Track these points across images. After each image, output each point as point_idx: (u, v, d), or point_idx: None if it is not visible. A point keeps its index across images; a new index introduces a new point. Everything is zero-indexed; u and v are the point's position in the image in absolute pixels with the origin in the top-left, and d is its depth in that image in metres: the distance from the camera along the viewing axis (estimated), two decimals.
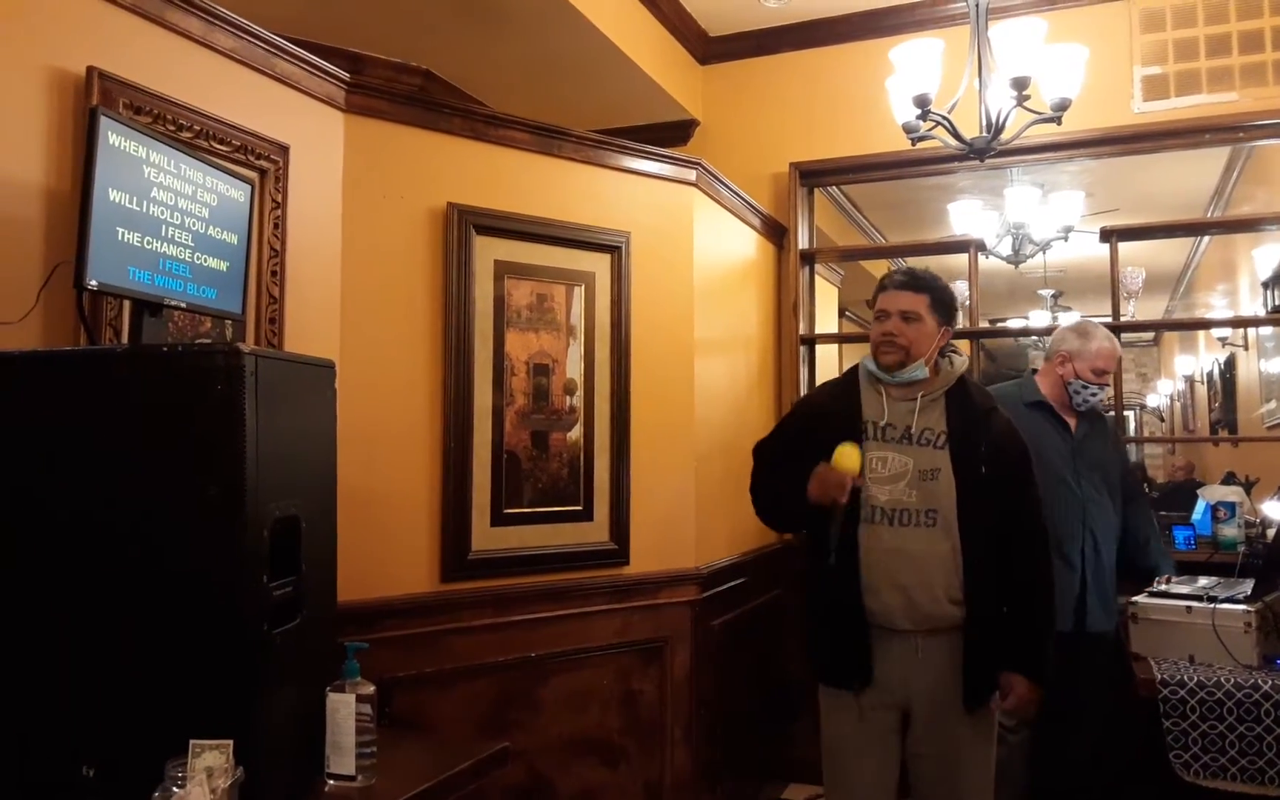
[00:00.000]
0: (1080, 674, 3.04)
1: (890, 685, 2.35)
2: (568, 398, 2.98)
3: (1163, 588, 2.99)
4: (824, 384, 2.81)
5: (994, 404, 2.51)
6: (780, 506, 2.59)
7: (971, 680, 2.33)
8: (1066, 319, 6.37)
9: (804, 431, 2.52)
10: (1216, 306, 7.47)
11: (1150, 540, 3.22)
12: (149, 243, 1.79)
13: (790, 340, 4.23)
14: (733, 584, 3.54)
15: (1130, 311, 4.30)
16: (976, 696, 2.34)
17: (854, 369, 2.57)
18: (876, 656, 2.34)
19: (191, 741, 1.42)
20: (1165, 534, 3.63)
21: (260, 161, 2.26)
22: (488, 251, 2.81)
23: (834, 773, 2.46)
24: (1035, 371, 3.25)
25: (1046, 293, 7.87)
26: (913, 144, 3.03)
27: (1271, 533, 3.37)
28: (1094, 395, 3.09)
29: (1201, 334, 8.25)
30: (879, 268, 6.15)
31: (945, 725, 2.34)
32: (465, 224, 2.74)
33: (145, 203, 1.78)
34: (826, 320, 4.81)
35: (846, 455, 2.29)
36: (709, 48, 4.50)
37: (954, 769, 2.36)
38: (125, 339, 1.91)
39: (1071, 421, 3.12)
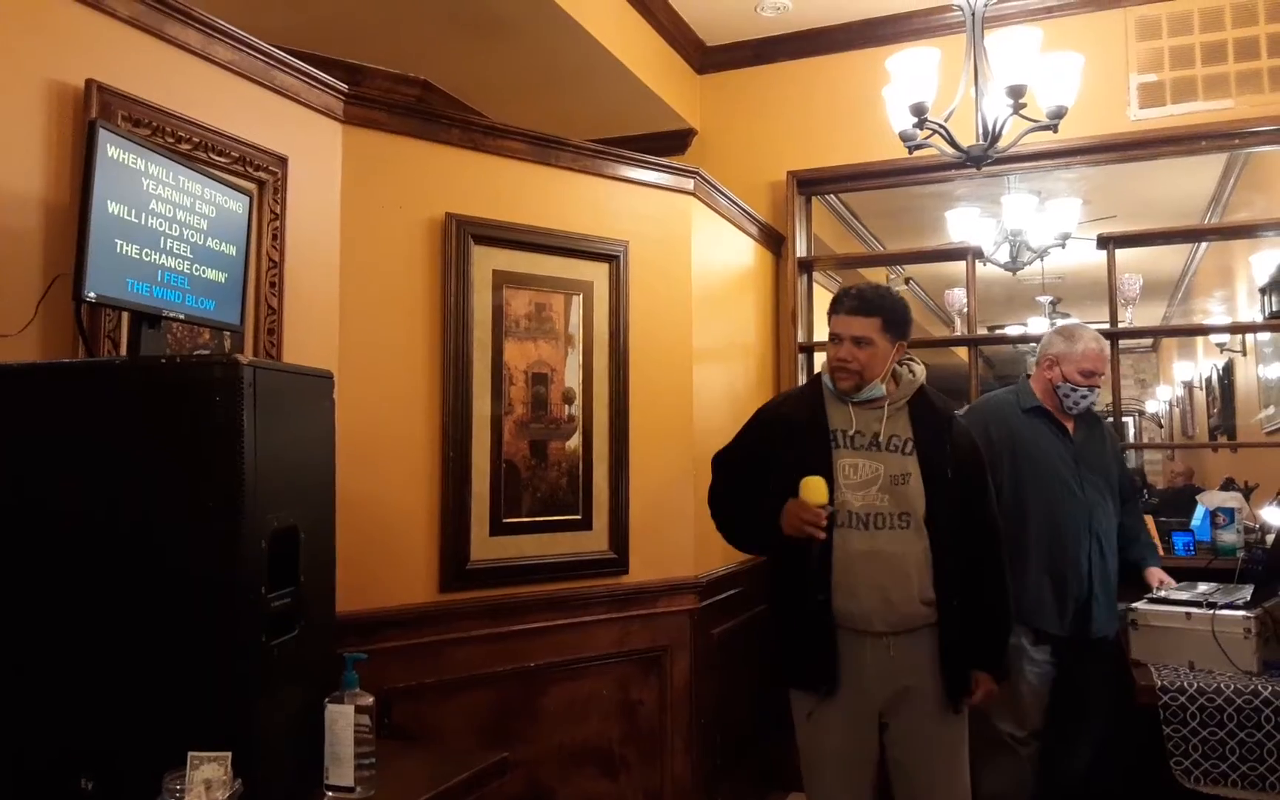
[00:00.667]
0: (1086, 679, 3.03)
1: (867, 691, 2.36)
2: (566, 407, 2.98)
3: (1162, 594, 2.99)
4: (785, 393, 2.79)
5: (953, 412, 2.56)
6: (747, 533, 2.60)
7: (950, 676, 2.37)
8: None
9: (768, 441, 2.52)
10: (1214, 312, 7.47)
11: (1140, 535, 3.25)
12: (148, 255, 1.79)
13: (789, 348, 4.24)
14: (731, 593, 3.54)
15: (1128, 318, 4.30)
16: (955, 691, 2.38)
17: (816, 379, 2.59)
18: (852, 663, 2.36)
19: (190, 753, 1.42)
20: (1165, 540, 3.63)
21: (259, 173, 2.27)
22: (486, 261, 2.81)
23: (813, 782, 2.48)
24: (1029, 376, 3.24)
25: (1044, 299, 7.88)
26: (910, 152, 3.04)
27: (1271, 538, 3.37)
28: (1084, 398, 3.07)
29: (1200, 340, 8.24)
30: (877, 276, 6.16)
31: (921, 728, 2.37)
32: (464, 234, 2.75)
33: (144, 215, 1.78)
34: (825, 328, 4.80)
35: (814, 488, 2.29)
36: (706, 57, 4.51)
37: (931, 772, 2.39)
38: (124, 351, 1.91)
39: (1069, 425, 3.12)
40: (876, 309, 2.44)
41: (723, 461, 2.65)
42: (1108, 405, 3.91)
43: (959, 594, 2.37)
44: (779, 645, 2.49)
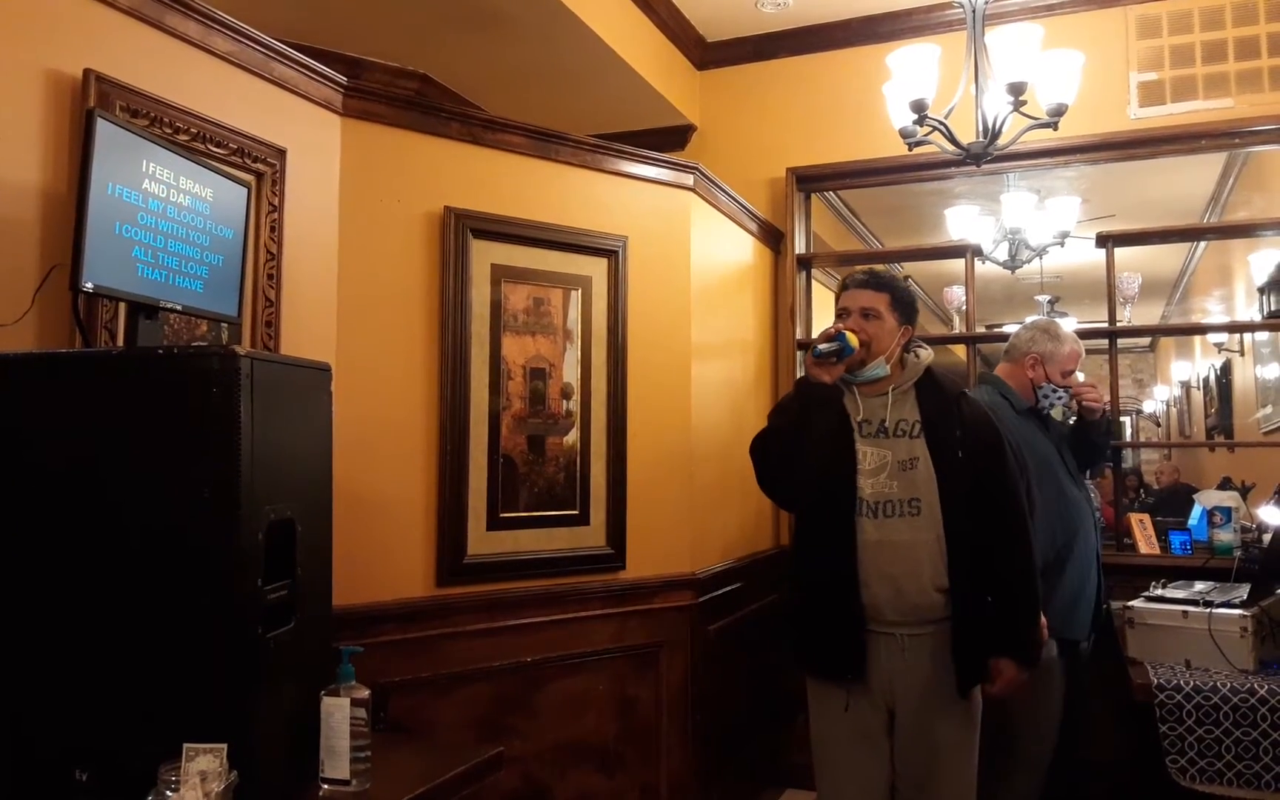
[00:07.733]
0: (1074, 679, 3.02)
1: (878, 685, 2.36)
2: (564, 402, 2.98)
3: (1159, 593, 2.99)
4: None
5: (963, 390, 2.53)
6: (783, 444, 2.41)
7: (962, 668, 2.33)
8: (1066, 324, 6.37)
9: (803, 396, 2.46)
10: (1213, 312, 7.47)
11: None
12: (145, 245, 1.78)
13: (787, 345, 4.24)
14: (728, 589, 3.54)
15: (1126, 317, 4.31)
16: (966, 684, 2.35)
17: None
18: (867, 657, 2.35)
19: (185, 745, 1.42)
20: (1162, 539, 3.64)
21: (257, 164, 2.26)
22: (485, 255, 2.81)
23: (824, 770, 2.47)
24: (994, 373, 3.16)
25: (1043, 298, 7.88)
26: (910, 149, 3.04)
27: (1267, 538, 3.37)
28: (1059, 399, 3.03)
29: (1197, 340, 8.25)
30: None
31: (930, 722, 2.35)
32: (462, 228, 2.74)
33: (141, 205, 1.77)
34: (823, 325, 4.80)
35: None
36: (706, 53, 4.51)
37: (938, 766, 2.37)
38: (121, 341, 1.91)
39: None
40: (885, 286, 2.46)
41: (760, 435, 2.52)
42: (1106, 404, 3.92)
43: (977, 579, 2.32)
44: (800, 634, 2.47)
